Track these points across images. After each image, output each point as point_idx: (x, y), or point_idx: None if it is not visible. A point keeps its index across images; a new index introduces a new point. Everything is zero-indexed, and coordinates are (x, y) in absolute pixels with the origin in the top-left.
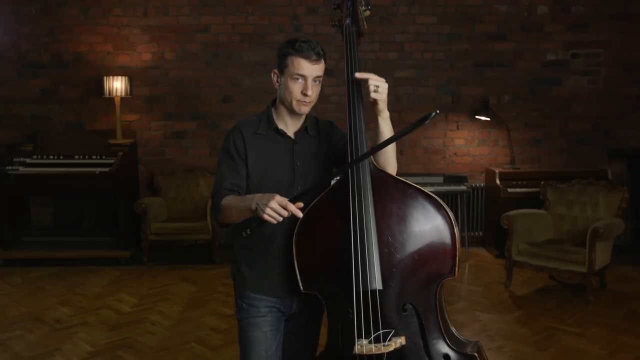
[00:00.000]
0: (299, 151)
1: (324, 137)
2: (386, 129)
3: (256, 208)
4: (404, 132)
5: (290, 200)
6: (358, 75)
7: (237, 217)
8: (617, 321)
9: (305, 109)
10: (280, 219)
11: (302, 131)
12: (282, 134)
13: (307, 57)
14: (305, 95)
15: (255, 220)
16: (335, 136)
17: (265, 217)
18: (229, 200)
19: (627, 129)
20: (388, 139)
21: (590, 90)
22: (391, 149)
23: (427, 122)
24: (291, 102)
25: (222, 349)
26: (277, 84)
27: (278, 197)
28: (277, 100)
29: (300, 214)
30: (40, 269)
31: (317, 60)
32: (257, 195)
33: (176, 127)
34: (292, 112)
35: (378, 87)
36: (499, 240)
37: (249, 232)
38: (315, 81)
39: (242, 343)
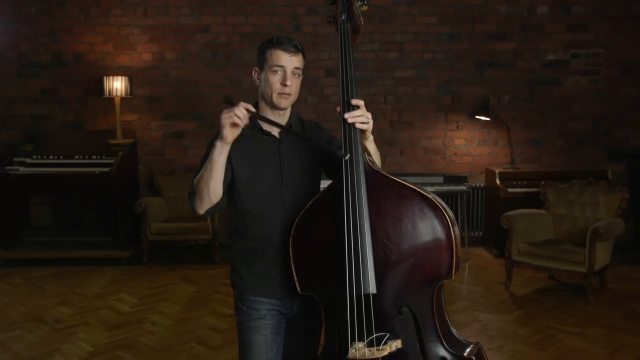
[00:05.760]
0: (285, 150)
1: (310, 134)
2: (372, 146)
3: (219, 138)
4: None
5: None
6: (354, 102)
7: (211, 178)
8: (617, 321)
9: (286, 103)
10: (242, 116)
11: (286, 130)
12: (267, 134)
13: (285, 49)
14: (284, 85)
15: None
16: (322, 136)
17: (229, 120)
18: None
19: (627, 129)
20: None
21: (590, 90)
22: (372, 150)
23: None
24: (271, 95)
25: (222, 349)
26: (258, 80)
27: (223, 114)
28: (259, 100)
29: (249, 106)
30: (40, 269)
31: (295, 53)
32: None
33: (176, 127)
34: (273, 107)
35: (365, 123)
36: (499, 240)
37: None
38: (294, 74)
39: (241, 346)
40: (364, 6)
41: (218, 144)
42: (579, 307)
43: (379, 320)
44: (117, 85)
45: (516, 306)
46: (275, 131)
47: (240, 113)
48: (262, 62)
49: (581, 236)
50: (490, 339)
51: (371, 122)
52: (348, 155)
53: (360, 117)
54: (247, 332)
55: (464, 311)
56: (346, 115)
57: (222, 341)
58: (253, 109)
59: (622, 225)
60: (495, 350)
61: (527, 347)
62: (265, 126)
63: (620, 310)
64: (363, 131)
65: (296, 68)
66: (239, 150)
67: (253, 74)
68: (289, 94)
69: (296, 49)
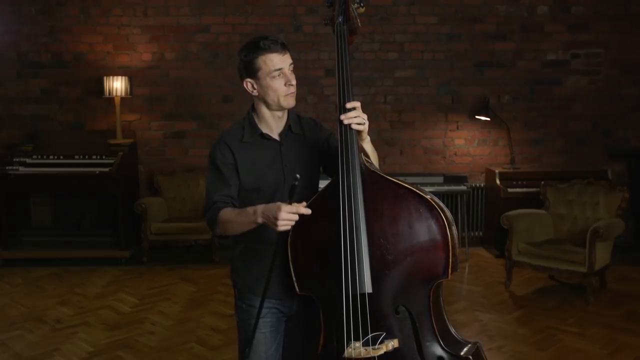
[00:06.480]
0: (286, 152)
1: (308, 133)
2: (368, 147)
3: (264, 222)
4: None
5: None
6: (349, 104)
7: (239, 230)
8: (617, 321)
9: (293, 101)
10: (293, 223)
11: (286, 131)
12: (268, 137)
13: (276, 51)
14: (290, 85)
15: (274, 236)
16: (321, 134)
17: (282, 229)
18: (227, 214)
19: (627, 129)
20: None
21: (590, 90)
22: (369, 150)
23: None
24: (279, 99)
25: (222, 349)
26: (254, 90)
27: (284, 207)
28: (257, 106)
29: (309, 211)
30: (40, 269)
31: (284, 50)
32: (260, 208)
33: (176, 127)
34: (281, 109)
35: (361, 124)
36: (499, 240)
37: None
38: (290, 70)
39: (241, 344)
40: (361, 8)
41: (260, 222)
42: (579, 307)
43: (376, 319)
44: (117, 85)
45: (516, 306)
46: (275, 134)
47: (291, 216)
48: (254, 72)
49: (581, 236)
50: (490, 339)
51: (367, 122)
52: (298, 181)
53: (356, 118)
54: (247, 330)
55: (464, 311)
56: (342, 117)
57: (222, 341)
58: (307, 211)
59: (622, 225)
60: (495, 350)
61: (527, 347)
62: (265, 130)
63: (620, 310)
64: (359, 132)
65: (290, 64)
66: (244, 157)
67: (246, 86)
68: (294, 91)
69: (283, 47)
